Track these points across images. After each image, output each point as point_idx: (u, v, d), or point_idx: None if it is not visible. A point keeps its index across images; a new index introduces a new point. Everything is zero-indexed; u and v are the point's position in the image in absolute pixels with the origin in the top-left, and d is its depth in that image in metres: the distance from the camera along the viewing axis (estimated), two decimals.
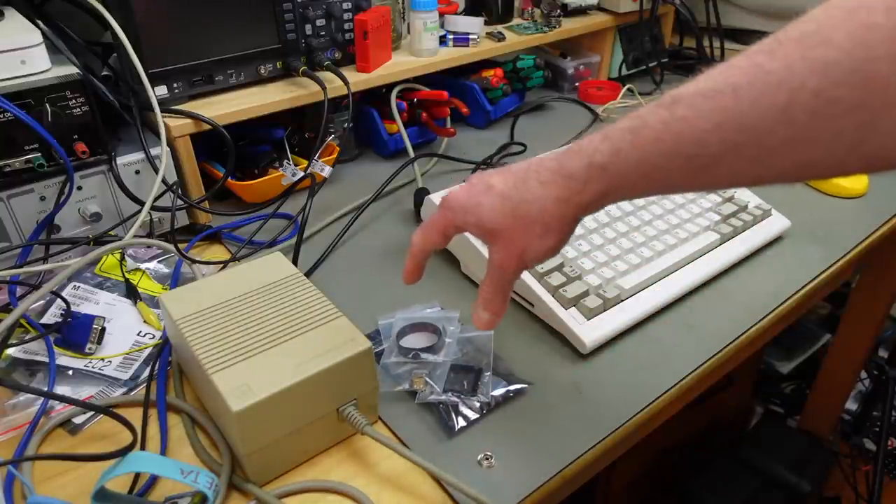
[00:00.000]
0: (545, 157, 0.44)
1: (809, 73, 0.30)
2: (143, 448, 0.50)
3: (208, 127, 0.73)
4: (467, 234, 0.67)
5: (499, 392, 0.55)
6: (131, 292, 0.66)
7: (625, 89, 1.15)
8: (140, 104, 0.72)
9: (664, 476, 1.22)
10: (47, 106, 0.61)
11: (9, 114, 0.59)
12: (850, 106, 0.30)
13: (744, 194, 0.79)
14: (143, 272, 0.69)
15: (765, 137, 0.32)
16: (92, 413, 0.53)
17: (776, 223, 0.76)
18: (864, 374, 1.51)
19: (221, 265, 0.70)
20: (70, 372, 0.57)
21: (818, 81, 0.30)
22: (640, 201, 0.76)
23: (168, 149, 0.70)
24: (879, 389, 1.48)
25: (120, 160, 0.68)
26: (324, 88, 0.79)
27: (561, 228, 0.43)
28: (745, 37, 1.31)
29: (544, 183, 0.42)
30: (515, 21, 1.12)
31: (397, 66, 0.91)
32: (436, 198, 0.71)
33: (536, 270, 0.63)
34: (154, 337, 0.62)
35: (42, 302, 0.61)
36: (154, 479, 0.48)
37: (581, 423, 0.53)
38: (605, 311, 0.62)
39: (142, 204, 0.68)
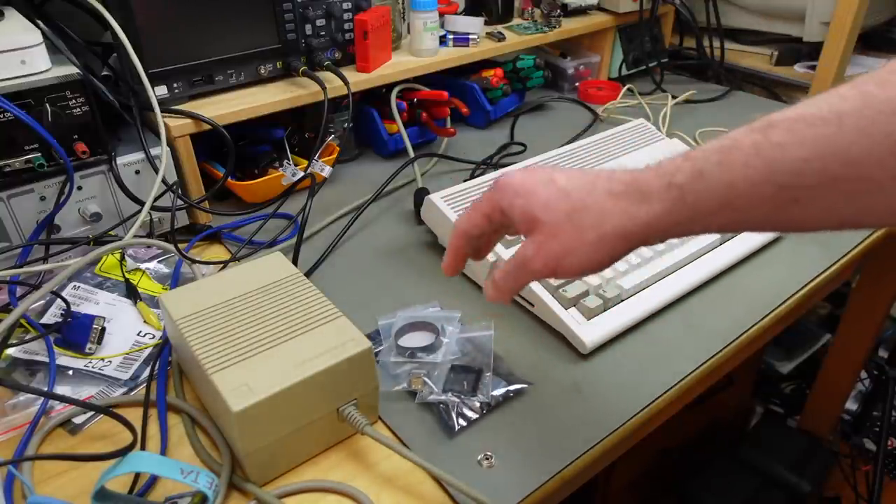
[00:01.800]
0: (618, 170, 0.40)
1: None
2: (143, 448, 0.50)
3: (208, 127, 0.73)
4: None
5: (499, 392, 0.55)
6: (131, 292, 0.66)
7: (625, 89, 1.15)
8: (140, 104, 0.72)
9: (664, 476, 1.22)
10: (47, 106, 0.61)
11: (9, 114, 0.59)
12: None
13: None
14: (143, 272, 0.69)
15: (871, 171, 0.30)
16: (92, 413, 0.53)
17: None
18: (864, 374, 1.51)
19: (221, 265, 0.70)
20: (70, 372, 0.57)
21: None
22: None
23: (168, 149, 0.70)
24: (879, 389, 1.48)
25: (120, 160, 0.68)
26: (324, 88, 0.79)
27: (614, 247, 0.38)
28: (746, 37, 1.31)
29: (615, 194, 0.38)
30: (515, 21, 1.12)
31: (397, 66, 0.91)
32: (436, 198, 0.71)
33: None
34: (154, 337, 0.62)
35: (42, 302, 0.61)
36: (154, 479, 0.48)
37: (581, 423, 0.53)
38: (605, 310, 0.62)
39: (142, 204, 0.68)
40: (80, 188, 0.67)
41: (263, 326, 0.50)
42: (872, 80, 0.31)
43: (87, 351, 0.58)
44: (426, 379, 0.55)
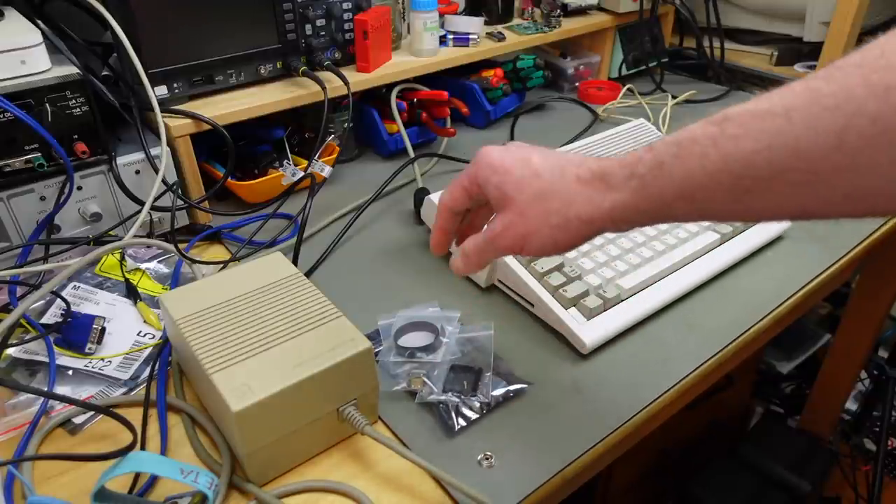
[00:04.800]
0: (590, 157, 0.42)
1: (868, 97, 0.29)
2: (143, 448, 0.50)
3: (208, 127, 0.73)
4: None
5: (499, 392, 0.55)
6: (131, 292, 0.66)
7: (625, 89, 1.15)
8: (140, 104, 0.72)
9: (664, 476, 1.22)
10: (47, 106, 0.61)
11: (9, 114, 0.59)
12: None
13: None
14: (143, 272, 0.69)
15: (817, 163, 0.31)
16: (92, 413, 0.53)
17: (776, 223, 0.76)
18: (864, 374, 1.51)
19: (221, 265, 0.70)
20: (70, 372, 0.57)
21: (877, 106, 0.29)
22: None
23: (168, 149, 0.70)
24: (879, 389, 1.48)
25: (120, 160, 0.68)
26: (324, 88, 0.79)
27: (578, 231, 0.41)
28: (746, 37, 1.31)
29: (582, 180, 0.40)
30: (515, 21, 1.12)
31: (397, 66, 0.91)
32: (436, 198, 0.71)
33: (536, 270, 0.63)
34: (154, 337, 0.62)
35: (42, 302, 0.61)
36: (154, 479, 0.48)
37: (581, 423, 0.53)
38: (605, 311, 0.62)
39: (142, 204, 0.68)
40: (80, 188, 0.67)
41: (263, 326, 0.50)
42: (821, 76, 0.32)
43: (87, 351, 0.58)
44: (426, 379, 0.55)
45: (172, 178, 0.72)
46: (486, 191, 0.44)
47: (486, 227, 0.44)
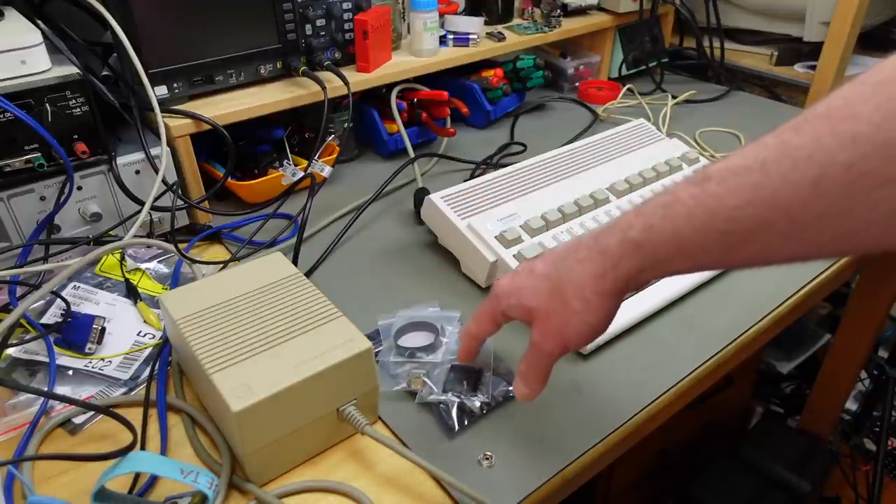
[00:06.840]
0: (584, 235, 0.44)
1: (838, 146, 0.30)
2: (143, 448, 0.50)
3: (208, 127, 0.73)
4: (469, 236, 0.68)
5: (499, 392, 0.55)
6: (131, 292, 0.66)
7: (625, 89, 1.15)
8: (140, 104, 0.72)
9: (664, 476, 1.22)
10: (47, 106, 0.61)
11: (9, 114, 0.59)
12: (883, 178, 0.29)
13: None
14: (143, 272, 0.69)
15: (797, 212, 0.32)
16: (92, 413, 0.53)
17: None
18: (864, 374, 1.51)
19: (221, 265, 0.70)
20: (70, 372, 0.57)
21: (848, 155, 0.30)
22: (637, 201, 0.76)
23: (168, 149, 0.70)
24: (879, 389, 1.48)
25: (120, 160, 0.69)
26: (324, 88, 0.79)
27: (601, 305, 0.42)
28: (746, 37, 1.31)
29: (581, 260, 0.42)
30: (515, 21, 1.12)
31: (397, 66, 0.91)
32: (436, 198, 0.71)
33: None
34: (154, 337, 0.62)
35: (42, 302, 0.61)
36: (154, 479, 0.48)
37: (581, 423, 0.53)
38: None
39: (142, 204, 0.68)
40: (80, 188, 0.67)
41: (263, 326, 0.50)
42: (790, 127, 0.33)
43: (87, 351, 0.58)
44: (426, 379, 0.55)
45: (172, 178, 0.72)
46: (512, 314, 0.47)
47: (528, 343, 0.47)
